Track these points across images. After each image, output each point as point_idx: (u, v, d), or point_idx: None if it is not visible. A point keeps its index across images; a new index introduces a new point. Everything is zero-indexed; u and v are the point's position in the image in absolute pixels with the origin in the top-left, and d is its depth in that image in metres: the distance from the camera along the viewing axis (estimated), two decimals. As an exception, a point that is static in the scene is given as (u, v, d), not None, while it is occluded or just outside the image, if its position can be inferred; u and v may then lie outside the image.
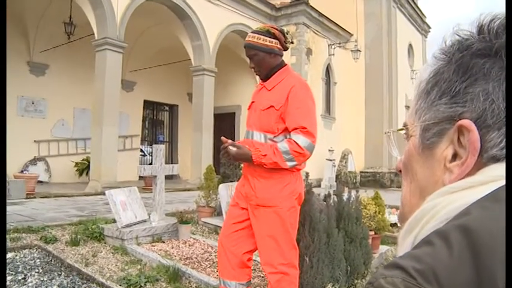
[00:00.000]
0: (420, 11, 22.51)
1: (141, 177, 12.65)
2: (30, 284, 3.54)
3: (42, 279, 3.70)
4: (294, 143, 2.51)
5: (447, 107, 0.54)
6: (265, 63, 2.68)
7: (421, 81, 0.59)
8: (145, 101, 16.04)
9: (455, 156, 0.53)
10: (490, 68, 0.51)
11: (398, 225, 0.59)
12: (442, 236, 0.43)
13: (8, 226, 4.54)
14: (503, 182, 0.47)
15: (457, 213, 0.46)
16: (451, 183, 0.51)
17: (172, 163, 14.81)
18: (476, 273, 0.39)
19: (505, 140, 0.50)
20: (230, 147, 2.57)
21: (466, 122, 0.51)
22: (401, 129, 0.64)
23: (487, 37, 0.53)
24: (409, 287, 0.41)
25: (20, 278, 3.67)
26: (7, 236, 4.52)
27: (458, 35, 0.56)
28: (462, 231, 0.42)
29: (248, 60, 2.75)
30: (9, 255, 4.25)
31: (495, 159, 0.50)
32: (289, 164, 2.53)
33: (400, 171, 0.64)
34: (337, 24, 16.88)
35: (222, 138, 2.63)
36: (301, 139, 2.51)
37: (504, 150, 0.50)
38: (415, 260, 0.43)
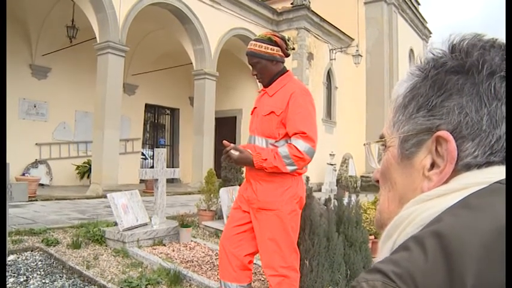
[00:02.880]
0: (421, 16, 22.58)
1: (142, 181, 12.69)
2: (32, 286, 3.56)
3: (44, 281, 3.72)
4: (294, 147, 2.54)
5: (425, 119, 0.57)
6: (267, 70, 2.72)
7: (398, 96, 0.62)
8: (146, 105, 16.08)
9: (433, 165, 0.56)
10: (463, 84, 0.55)
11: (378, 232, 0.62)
12: (417, 242, 0.46)
13: (9, 228, 4.55)
14: (474, 189, 0.50)
15: (431, 219, 0.49)
16: (429, 191, 0.55)
17: (173, 167, 14.87)
18: (447, 275, 0.42)
19: (478, 150, 0.53)
20: (232, 151, 2.60)
21: (444, 133, 0.54)
22: (380, 141, 0.67)
23: (458, 56, 0.57)
24: None
25: (22, 280, 3.70)
26: (9, 238, 4.54)
27: (432, 53, 0.60)
28: (436, 237, 0.45)
29: (250, 67, 2.79)
30: (11, 257, 4.27)
31: (468, 167, 0.54)
32: (290, 168, 2.56)
33: (377, 181, 0.68)
34: (338, 29, 16.93)
35: (224, 142, 2.66)
36: (300, 144, 2.54)
37: (478, 159, 0.53)
38: (394, 265, 0.45)
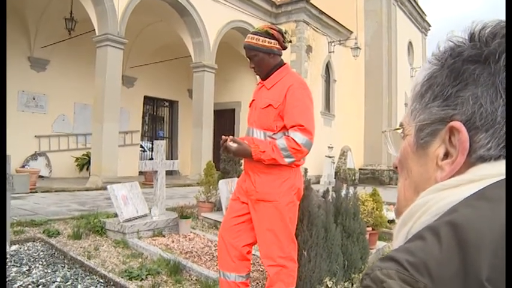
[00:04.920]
0: (420, 9, 22.54)
1: (141, 173, 12.72)
2: (34, 276, 3.62)
3: (46, 271, 3.78)
4: (291, 140, 2.58)
5: (439, 109, 0.57)
6: (265, 63, 2.75)
7: (416, 84, 0.62)
8: (145, 97, 16.09)
9: (447, 155, 0.56)
10: (480, 74, 0.54)
11: (395, 220, 0.63)
12: (433, 231, 0.47)
13: (11, 219, 4.61)
14: (489, 181, 0.50)
15: (447, 209, 0.50)
16: (442, 180, 0.55)
17: (172, 159, 14.91)
18: (462, 265, 0.42)
19: (492, 142, 0.53)
20: (230, 143, 2.64)
21: (457, 124, 0.55)
22: (398, 129, 0.68)
23: (477, 44, 0.56)
24: (402, 278, 0.44)
25: (24, 269, 3.76)
26: (11, 229, 4.59)
27: (451, 41, 0.59)
28: (451, 227, 0.45)
29: (248, 59, 2.82)
30: (13, 247, 4.33)
31: (483, 159, 0.54)
32: (287, 160, 2.60)
33: (397, 167, 0.67)
34: (337, 22, 16.92)
35: (222, 137, 2.71)
36: (298, 136, 2.58)
37: (491, 151, 0.53)
38: (409, 253, 0.46)
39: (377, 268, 0.47)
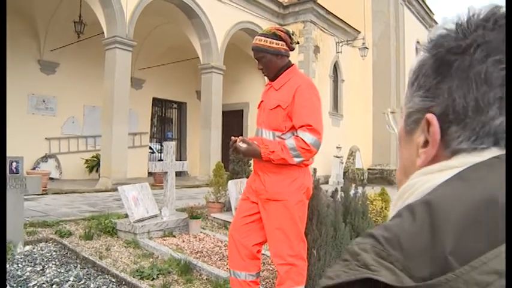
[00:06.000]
0: (428, 8, 22.44)
1: (150, 174, 12.80)
2: (48, 275, 3.68)
3: (59, 270, 3.84)
4: (300, 140, 2.61)
5: (421, 99, 0.58)
6: (273, 64, 2.79)
7: (410, 71, 0.63)
8: (154, 99, 16.17)
9: (426, 144, 0.58)
10: (458, 67, 0.54)
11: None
12: (409, 210, 0.49)
13: (24, 220, 4.68)
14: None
15: (428, 191, 0.52)
16: (420, 168, 0.57)
17: (180, 160, 14.96)
18: (430, 239, 0.44)
19: (462, 135, 0.54)
20: (240, 143, 2.68)
21: (429, 116, 0.56)
22: (393, 112, 0.71)
23: (459, 35, 0.56)
24: (376, 252, 0.46)
25: (38, 269, 3.82)
26: (24, 230, 4.66)
27: (439, 30, 0.59)
28: (425, 205, 0.47)
29: (256, 61, 2.86)
30: (27, 247, 4.40)
31: (455, 152, 0.55)
32: (296, 160, 2.63)
33: None
34: (345, 22, 16.91)
35: (232, 138, 2.74)
36: (307, 136, 2.61)
37: (462, 145, 0.54)
38: (385, 230, 0.48)
39: (355, 243, 0.49)
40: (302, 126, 2.64)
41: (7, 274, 3.64)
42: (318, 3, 15.34)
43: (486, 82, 0.52)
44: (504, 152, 0.51)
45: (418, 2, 20.87)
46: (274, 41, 2.76)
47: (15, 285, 3.44)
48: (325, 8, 15.69)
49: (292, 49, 2.86)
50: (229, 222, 4.95)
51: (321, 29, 15.84)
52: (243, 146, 2.68)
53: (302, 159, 2.64)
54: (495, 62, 0.51)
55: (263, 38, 2.78)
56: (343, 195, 4.34)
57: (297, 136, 2.64)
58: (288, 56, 2.86)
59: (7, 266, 3.85)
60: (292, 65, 2.89)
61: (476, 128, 0.52)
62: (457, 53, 0.55)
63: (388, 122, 0.77)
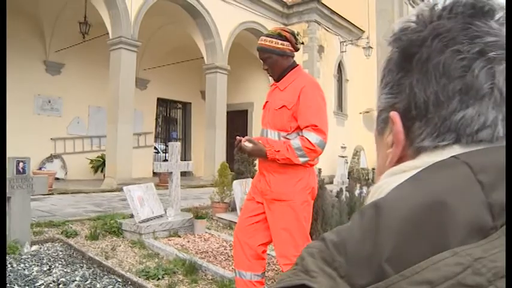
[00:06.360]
0: (433, 7, 22.37)
1: (155, 174, 12.83)
2: (55, 275, 3.71)
3: (65, 270, 3.87)
4: (306, 140, 2.62)
5: (386, 97, 0.56)
6: (278, 64, 2.80)
7: (381, 69, 0.61)
8: (158, 99, 16.20)
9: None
10: (418, 59, 0.52)
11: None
12: (360, 213, 0.46)
13: (30, 220, 4.71)
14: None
15: None
16: (388, 168, 0.55)
17: (185, 160, 14.98)
18: (372, 245, 0.42)
19: (424, 132, 0.51)
20: (246, 143, 2.69)
21: (392, 114, 0.54)
22: (367, 111, 0.68)
23: (419, 26, 0.53)
24: (322, 257, 0.44)
25: (45, 269, 3.85)
26: (30, 230, 4.70)
27: (402, 23, 0.56)
28: (374, 208, 0.45)
29: (261, 61, 2.87)
30: (33, 247, 4.43)
31: (418, 151, 0.52)
32: (302, 159, 2.64)
33: None
34: (349, 21, 16.89)
35: (237, 137, 2.76)
36: (312, 136, 2.62)
37: (425, 142, 0.51)
38: (336, 233, 0.46)
39: (306, 247, 0.47)
40: (307, 126, 2.65)
41: (15, 273, 3.68)
42: (322, 3, 15.33)
43: (445, 74, 0.49)
44: (465, 150, 0.48)
45: (423, 1, 20.82)
46: (280, 42, 2.78)
47: (22, 284, 3.47)
48: (329, 8, 15.68)
49: (297, 49, 2.88)
50: (234, 222, 4.97)
51: (325, 29, 15.82)
52: (249, 145, 2.69)
53: (307, 159, 2.65)
54: (453, 52, 0.49)
55: (268, 39, 2.80)
56: (348, 195, 4.35)
57: (303, 136, 2.65)
58: (292, 57, 2.87)
59: (14, 265, 3.89)
60: (297, 65, 2.91)
61: (437, 123, 0.50)
62: (417, 45, 0.52)
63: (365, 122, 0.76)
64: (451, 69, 0.49)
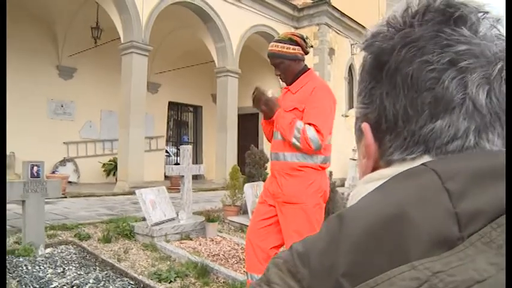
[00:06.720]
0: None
1: (166, 177, 12.89)
2: (68, 277, 3.75)
3: (79, 272, 3.91)
4: (306, 129, 2.64)
5: (359, 106, 0.54)
6: (291, 69, 2.82)
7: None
8: (170, 103, 16.27)
9: None
10: (387, 69, 0.49)
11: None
12: (326, 223, 0.45)
13: (44, 223, 4.77)
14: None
15: None
16: (363, 176, 0.53)
17: (196, 163, 15.03)
18: (333, 258, 0.40)
19: (393, 146, 0.49)
20: (264, 93, 2.77)
21: (364, 125, 0.52)
22: (348, 116, 0.66)
23: (389, 33, 0.50)
24: (287, 268, 0.43)
25: (59, 271, 3.90)
26: (45, 233, 4.75)
27: (374, 27, 0.54)
28: (338, 219, 0.43)
29: (273, 67, 2.90)
30: (48, 250, 4.50)
31: (389, 163, 0.50)
32: (294, 140, 2.65)
33: None
34: (359, 24, 16.83)
35: (256, 87, 2.82)
36: (311, 131, 2.63)
37: (394, 156, 0.49)
38: (302, 243, 0.44)
39: (275, 256, 0.46)
40: (309, 124, 2.67)
41: (30, 275, 3.73)
42: (333, 6, 15.30)
43: (413, 87, 0.46)
44: (434, 158, 0.46)
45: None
46: (291, 47, 2.80)
47: (37, 286, 3.52)
48: (339, 10, 15.65)
49: (307, 53, 2.90)
50: (246, 225, 4.98)
51: (336, 31, 15.80)
52: (267, 95, 2.75)
53: (298, 144, 2.65)
54: (422, 63, 0.46)
55: (279, 44, 2.82)
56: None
57: (306, 126, 2.68)
58: (303, 60, 2.89)
59: (29, 267, 3.94)
60: (309, 69, 2.92)
61: (406, 138, 0.48)
62: (387, 54, 0.49)
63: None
64: (420, 81, 0.46)
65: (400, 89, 0.47)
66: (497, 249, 0.35)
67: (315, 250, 0.42)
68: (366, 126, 0.51)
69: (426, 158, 0.46)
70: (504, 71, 0.45)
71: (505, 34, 0.48)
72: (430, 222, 0.38)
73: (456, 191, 0.39)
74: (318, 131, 2.64)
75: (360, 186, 0.52)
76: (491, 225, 0.37)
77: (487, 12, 0.48)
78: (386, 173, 0.48)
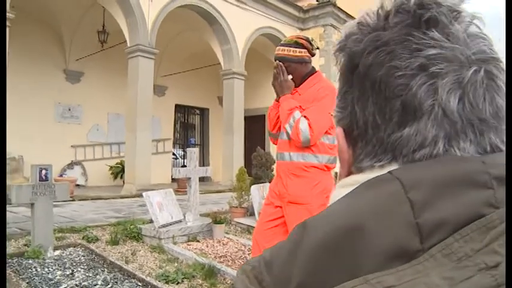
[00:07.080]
0: (450, 8, 22.16)
1: (173, 180, 12.92)
2: (77, 279, 3.79)
3: (87, 274, 3.95)
4: (300, 120, 2.66)
5: (335, 110, 0.52)
6: (298, 72, 2.85)
7: None
8: (176, 105, 16.31)
9: None
10: (357, 75, 0.47)
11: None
12: (293, 230, 0.43)
13: (53, 226, 4.81)
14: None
15: None
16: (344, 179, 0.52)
17: (203, 166, 15.06)
18: (291, 269, 0.40)
19: (362, 153, 0.48)
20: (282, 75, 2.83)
21: (337, 131, 0.51)
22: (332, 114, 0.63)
23: (359, 36, 0.48)
24: (254, 274, 0.43)
25: (68, 273, 3.95)
26: (53, 236, 4.80)
27: (346, 28, 0.51)
28: (302, 227, 0.42)
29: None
30: (56, 252, 4.54)
31: (360, 170, 0.49)
32: (287, 126, 2.72)
33: None
34: (365, 25, 16.81)
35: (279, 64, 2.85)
36: (304, 123, 2.65)
37: (363, 163, 0.48)
38: (270, 251, 0.44)
39: (246, 262, 0.46)
40: (305, 117, 2.70)
41: (39, 277, 3.77)
42: (338, 7, 15.29)
43: (381, 94, 0.45)
44: (401, 166, 0.44)
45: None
46: (298, 50, 2.82)
47: (47, 287, 3.56)
48: (345, 12, 15.63)
49: (313, 55, 2.92)
50: (253, 226, 4.99)
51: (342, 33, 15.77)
52: (285, 77, 2.83)
53: (289, 132, 2.69)
54: (390, 68, 0.44)
55: (286, 48, 2.84)
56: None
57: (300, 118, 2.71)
58: (310, 62, 2.91)
59: (39, 269, 3.99)
60: (317, 71, 2.95)
61: (375, 145, 0.46)
62: (358, 57, 0.47)
63: None
64: (388, 88, 0.44)
65: (369, 95, 0.46)
66: (457, 262, 0.34)
67: (279, 258, 0.42)
68: (339, 131, 0.50)
69: (394, 166, 0.45)
70: (480, 74, 0.43)
71: (483, 31, 0.46)
72: (387, 234, 0.37)
73: (419, 200, 0.38)
74: (309, 126, 2.66)
75: (336, 190, 0.51)
76: (454, 236, 0.36)
77: (460, 12, 0.46)
78: (358, 179, 0.46)
